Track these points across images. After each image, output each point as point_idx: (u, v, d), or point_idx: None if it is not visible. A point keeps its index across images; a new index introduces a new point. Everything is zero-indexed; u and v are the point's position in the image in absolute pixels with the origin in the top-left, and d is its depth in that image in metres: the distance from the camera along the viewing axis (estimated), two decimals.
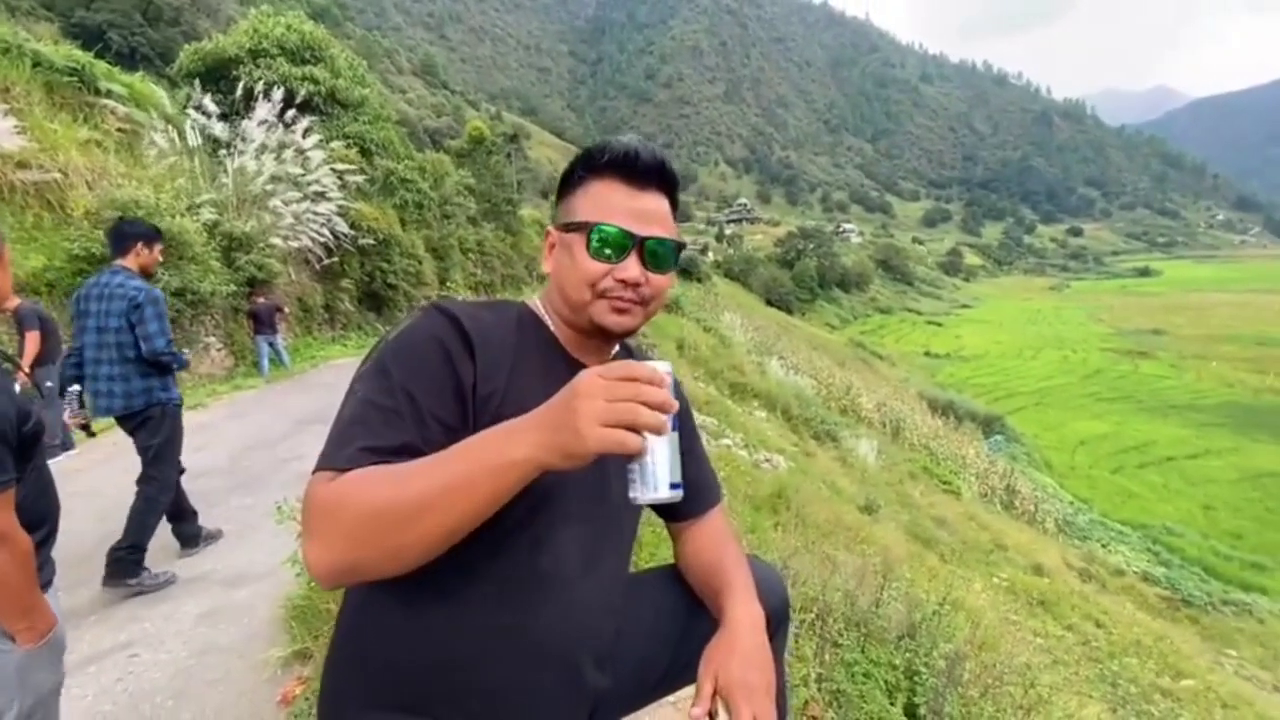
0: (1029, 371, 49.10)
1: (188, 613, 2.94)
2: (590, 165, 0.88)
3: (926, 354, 57.14)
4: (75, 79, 8.05)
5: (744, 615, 0.88)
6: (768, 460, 7.47)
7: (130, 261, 3.17)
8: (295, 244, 10.05)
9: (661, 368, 0.69)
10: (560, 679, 0.86)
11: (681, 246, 0.91)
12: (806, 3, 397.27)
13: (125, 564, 3.05)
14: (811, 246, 77.05)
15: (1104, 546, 15.78)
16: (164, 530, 3.45)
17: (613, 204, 0.85)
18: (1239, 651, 10.22)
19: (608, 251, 0.84)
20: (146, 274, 3.25)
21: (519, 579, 0.82)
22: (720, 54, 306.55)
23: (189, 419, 6.89)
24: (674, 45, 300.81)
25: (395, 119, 16.96)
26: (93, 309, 3.07)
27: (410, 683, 0.81)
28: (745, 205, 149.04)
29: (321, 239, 10.61)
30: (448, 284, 15.42)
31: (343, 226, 11.11)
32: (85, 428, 3.31)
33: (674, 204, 0.91)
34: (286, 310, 9.73)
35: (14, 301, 4.93)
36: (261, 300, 9.07)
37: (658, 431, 0.65)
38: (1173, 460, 28.41)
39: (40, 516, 1.26)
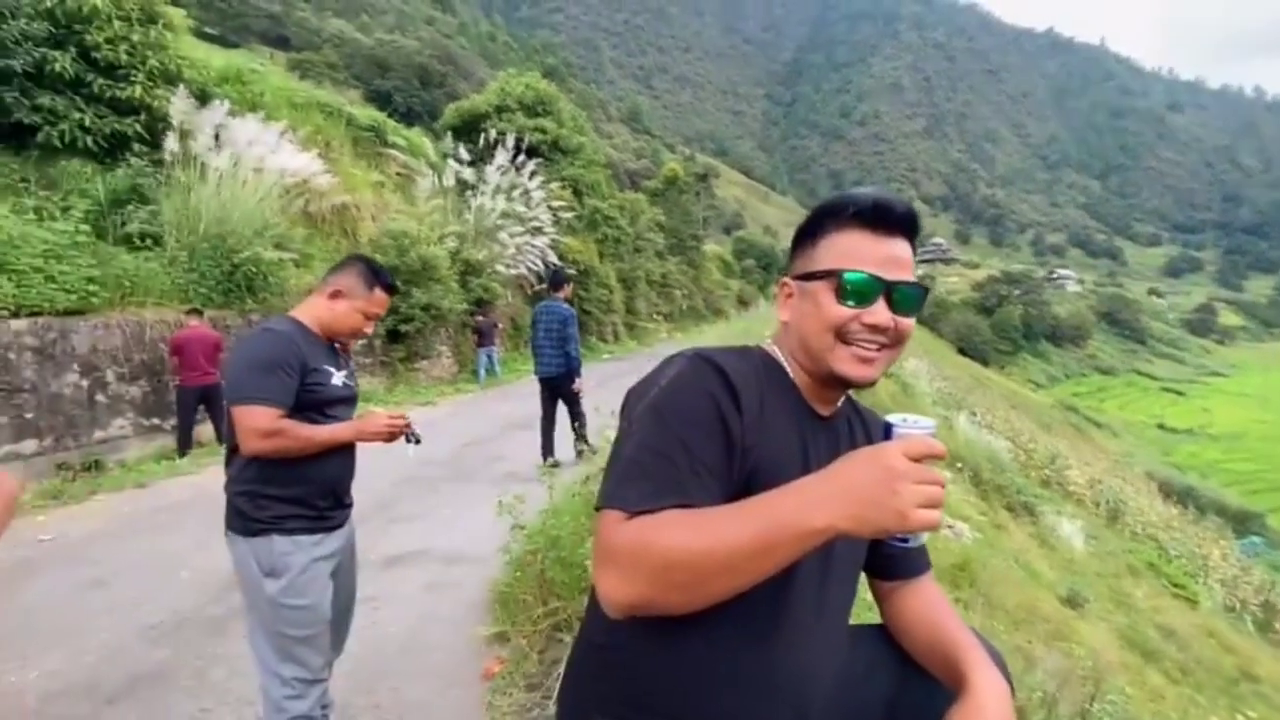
0: None
1: (416, 580, 3.45)
2: (835, 216, 0.90)
3: (1160, 427, 48.58)
4: (373, 134, 10.11)
5: (990, 686, 0.83)
6: (950, 527, 6.92)
7: (562, 294, 5.72)
8: (515, 271, 11.51)
9: (930, 429, 0.76)
10: None
11: (926, 291, 0.92)
12: (1027, 31, 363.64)
13: (582, 449, 5.66)
14: (1017, 293, 69.57)
15: None
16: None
17: (861, 252, 0.87)
18: None
19: (857, 297, 0.85)
20: (569, 301, 5.80)
21: (764, 622, 0.86)
22: (923, 89, 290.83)
23: (421, 414, 8.16)
24: (873, 83, 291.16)
25: (603, 162, 18.63)
26: (543, 319, 5.58)
27: (653, 708, 0.86)
28: (941, 245, 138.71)
29: (536, 269, 12.04)
30: (634, 313, 16.49)
31: (553, 257, 12.50)
32: None
33: (914, 249, 0.93)
34: (501, 327, 11.16)
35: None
36: (483, 318, 10.50)
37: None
38: None
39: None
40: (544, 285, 13.59)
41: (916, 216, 0.91)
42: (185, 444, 6.14)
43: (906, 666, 0.99)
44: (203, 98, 7.28)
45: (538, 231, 11.91)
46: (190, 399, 6.11)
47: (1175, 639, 8.39)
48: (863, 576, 1.08)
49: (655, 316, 20.31)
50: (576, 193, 14.90)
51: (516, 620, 2.72)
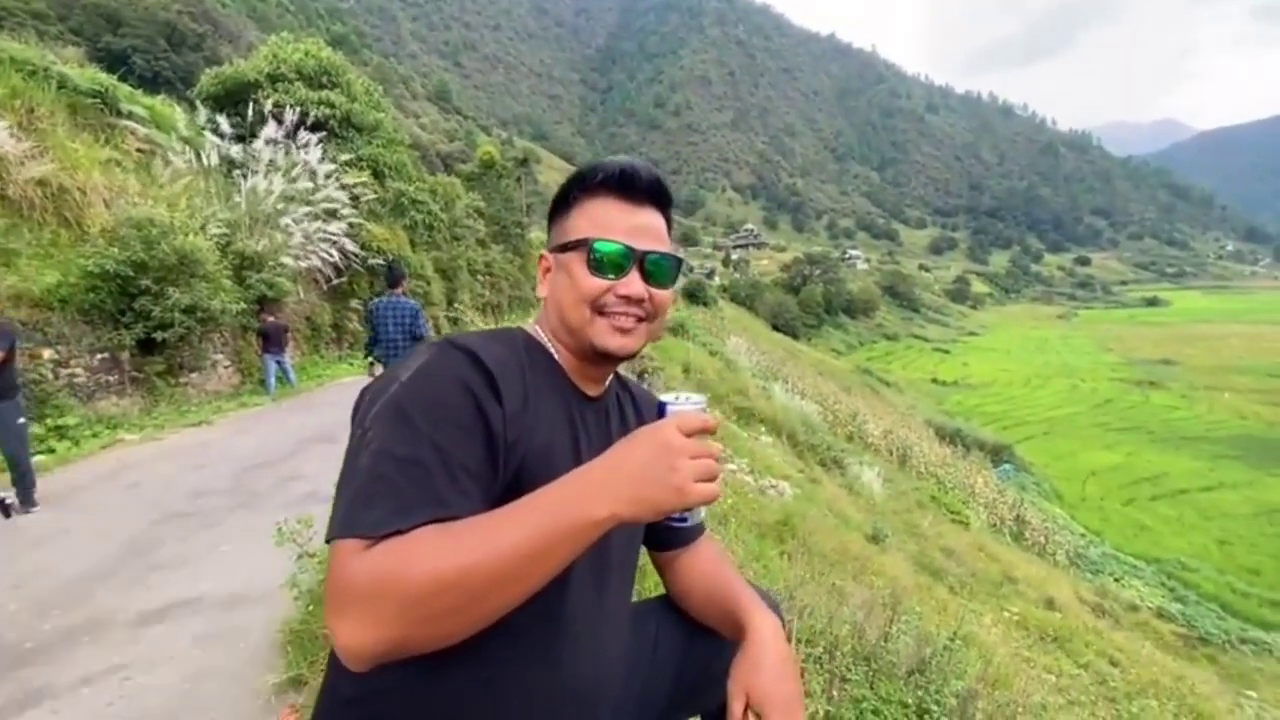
0: (1037, 400, 48.74)
1: (183, 635, 2.89)
2: (584, 185, 0.86)
3: (934, 381, 56.92)
4: (98, 101, 8.23)
5: (765, 626, 0.87)
6: (773, 486, 7.38)
7: (400, 289, 5.54)
8: (305, 264, 10.14)
9: (701, 404, 0.76)
10: None
11: (680, 262, 0.89)
12: (814, 34, 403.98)
13: None
14: (818, 272, 77.36)
15: (1117, 581, 15.46)
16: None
17: (610, 221, 0.83)
18: (1259, 693, 9.91)
19: (608, 267, 0.81)
20: (406, 294, 5.65)
21: (544, 624, 0.79)
22: (729, 83, 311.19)
23: (192, 437, 6.92)
24: (683, 75, 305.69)
25: (408, 143, 17.25)
26: (390, 314, 5.34)
27: None
28: (752, 231, 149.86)
29: (331, 259, 10.71)
30: (455, 305, 15.53)
31: (352, 246, 11.23)
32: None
33: (668, 222, 0.90)
34: (290, 329, 9.81)
35: None
36: (271, 319, 9.13)
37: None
38: (1186, 493, 27.96)
39: None
40: (343, 279, 12.55)
41: (665, 186, 0.88)
42: None
43: (691, 630, 0.99)
44: None
45: (331, 216, 10.56)
46: None
47: (955, 557, 9.78)
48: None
49: (483, 307, 19.48)
50: (377, 174, 13.51)
51: (315, 659, 2.41)
